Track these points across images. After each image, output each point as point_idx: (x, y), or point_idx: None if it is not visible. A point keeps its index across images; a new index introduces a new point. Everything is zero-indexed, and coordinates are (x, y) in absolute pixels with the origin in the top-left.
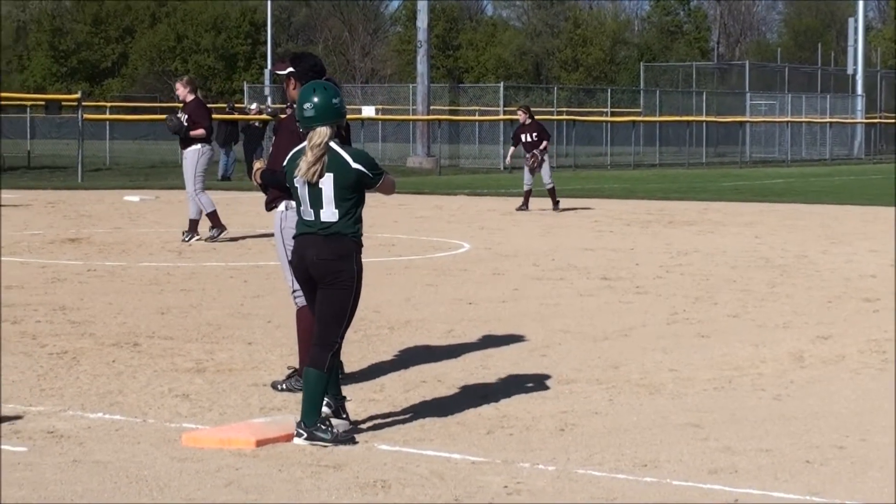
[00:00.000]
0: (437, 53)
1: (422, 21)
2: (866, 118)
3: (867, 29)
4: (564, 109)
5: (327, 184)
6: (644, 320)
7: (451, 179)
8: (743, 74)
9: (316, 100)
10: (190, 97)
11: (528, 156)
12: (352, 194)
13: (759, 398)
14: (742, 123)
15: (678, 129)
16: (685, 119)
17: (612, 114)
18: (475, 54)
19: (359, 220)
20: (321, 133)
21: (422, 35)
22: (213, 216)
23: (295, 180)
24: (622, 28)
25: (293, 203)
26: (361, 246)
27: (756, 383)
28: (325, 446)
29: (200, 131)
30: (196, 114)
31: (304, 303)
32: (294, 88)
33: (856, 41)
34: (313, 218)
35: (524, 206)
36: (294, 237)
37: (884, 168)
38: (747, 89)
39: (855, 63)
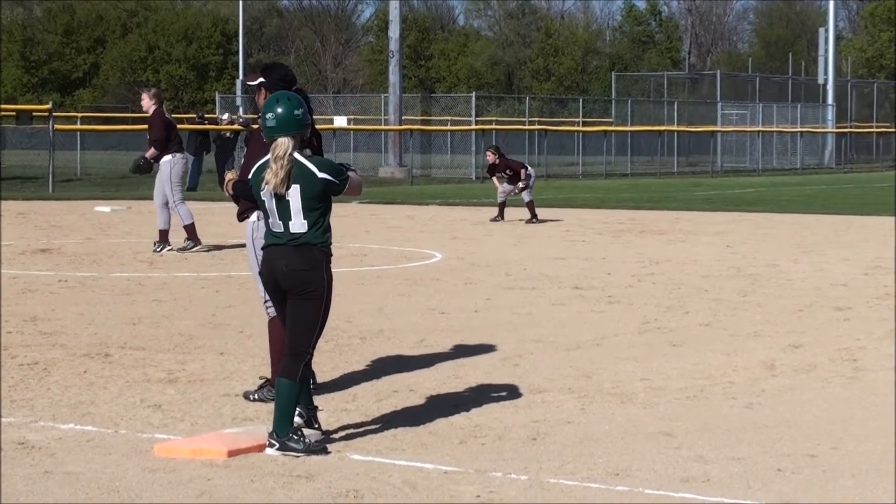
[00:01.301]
0: (408, 63)
1: (394, 31)
2: (837, 127)
3: (838, 38)
4: (536, 119)
5: (294, 195)
6: (616, 329)
7: (423, 189)
8: (714, 84)
9: (279, 110)
10: (152, 108)
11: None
12: (319, 204)
13: (731, 407)
14: (713, 133)
15: (650, 139)
16: (657, 129)
17: (584, 123)
18: (447, 64)
19: (328, 230)
20: (283, 144)
21: (394, 45)
22: (191, 228)
23: (262, 193)
24: (594, 38)
25: None
26: (331, 255)
27: (728, 392)
28: (298, 456)
29: (151, 151)
30: (150, 125)
31: (276, 313)
32: (264, 98)
33: (826, 51)
34: (282, 229)
35: (499, 217)
36: (262, 248)
37: (854, 177)
38: (718, 99)
39: (825, 73)
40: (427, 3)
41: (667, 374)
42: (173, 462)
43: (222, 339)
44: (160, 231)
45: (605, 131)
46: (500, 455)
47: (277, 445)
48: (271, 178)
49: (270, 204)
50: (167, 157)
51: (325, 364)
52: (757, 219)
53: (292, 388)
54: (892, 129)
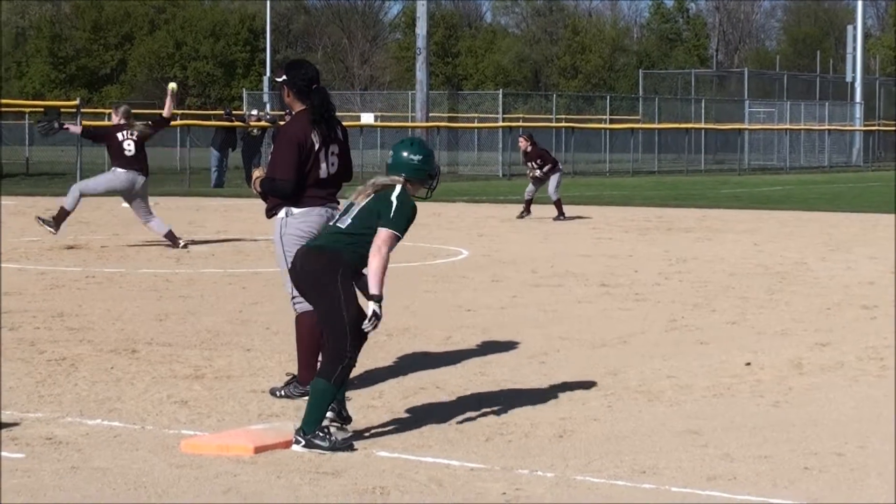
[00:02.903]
0: (435, 60)
1: (421, 28)
2: (865, 126)
3: (866, 36)
4: (563, 116)
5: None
6: (643, 327)
7: (450, 186)
8: (742, 82)
9: (398, 152)
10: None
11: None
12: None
13: (758, 405)
14: (741, 131)
15: (677, 137)
16: (684, 126)
17: (611, 121)
18: (474, 61)
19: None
20: (380, 179)
21: (421, 42)
22: (169, 235)
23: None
24: (621, 35)
25: (293, 210)
26: (346, 264)
27: (755, 390)
28: (323, 454)
29: (75, 127)
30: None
31: (304, 309)
32: (288, 96)
33: (854, 48)
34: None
35: (525, 213)
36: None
37: (882, 175)
38: (746, 97)
39: (853, 71)
40: (454, 1)
41: (694, 372)
42: (200, 458)
43: (249, 335)
44: (165, 236)
45: (633, 129)
46: (527, 452)
47: (304, 443)
48: (353, 195)
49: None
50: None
51: None
52: (784, 217)
53: (327, 390)
54: None
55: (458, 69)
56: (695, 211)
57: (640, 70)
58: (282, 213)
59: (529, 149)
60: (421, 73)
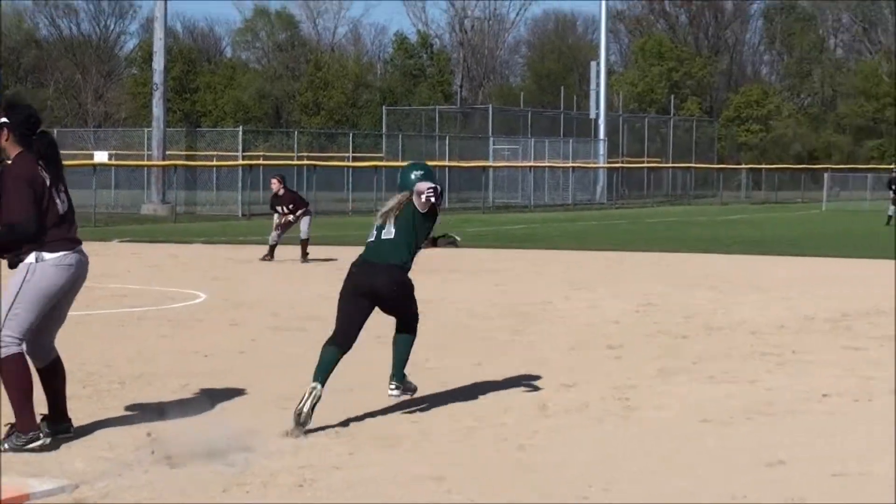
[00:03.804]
0: (173, 96)
1: (158, 63)
2: (608, 163)
3: (609, 73)
4: (305, 154)
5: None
6: (385, 371)
7: (188, 227)
8: (486, 118)
9: (409, 175)
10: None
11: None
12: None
13: (502, 449)
14: (485, 168)
15: None
16: (428, 164)
17: (354, 159)
18: (213, 97)
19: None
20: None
21: (157, 77)
22: None
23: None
24: (365, 71)
25: (45, 255)
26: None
27: (499, 434)
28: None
29: None
30: None
31: (10, 353)
32: (7, 140)
33: (598, 85)
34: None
35: (269, 257)
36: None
37: (626, 213)
38: (490, 133)
39: (597, 107)
40: (193, 35)
41: (436, 416)
42: None
43: None
44: None
45: (376, 167)
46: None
47: (402, 388)
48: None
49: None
50: None
51: (83, 410)
52: (528, 255)
53: (412, 342)
54: (663, 164)
55: (196, 105)
56: (440, 251)
57: (384, 106)
58: (31, 257)
59: (282, 192)
60: (158, 110)
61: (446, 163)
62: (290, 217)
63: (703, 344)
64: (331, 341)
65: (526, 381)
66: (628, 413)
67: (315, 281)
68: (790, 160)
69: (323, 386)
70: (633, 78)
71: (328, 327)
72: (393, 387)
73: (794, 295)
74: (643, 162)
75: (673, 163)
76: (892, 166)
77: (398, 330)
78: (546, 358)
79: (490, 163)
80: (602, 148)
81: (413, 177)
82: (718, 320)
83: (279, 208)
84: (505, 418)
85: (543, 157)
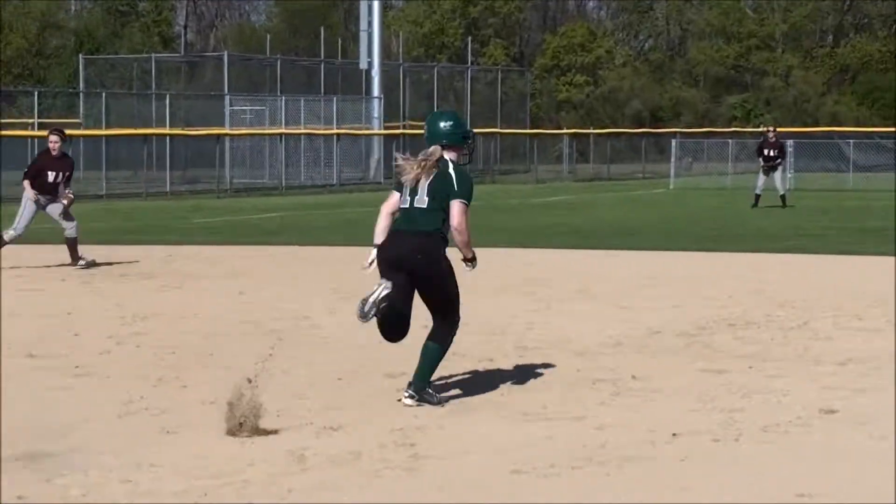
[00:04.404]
0: None
1: None
2: (386, 128)
3: (385, 8)
4: None
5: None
6: (89, 413)
7: None
8: (220, 70)
9: (436, 124)
10: None
11: None
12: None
13: None
14: (220, 137)
15: (133, 147)
16: (142, 132)
17: (41, 126)
18: None
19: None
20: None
21: None
22: None
23: None
24: (53, 9)
25: None
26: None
27: (241, 494)
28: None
29: None
30: None
31: None
32: None
33: (370, 24)
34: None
35: None
36: None
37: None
38: (226, 90)
39: (370, 54)
40: None
41: (159, 473)
42: None
43: None
44: None
45: (71, 136)
46: None
47: (417, 397)
48: (408, 175)
49: None
50: None
51: None
52: (281, 254)
53: (439, 353)
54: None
55: None
56: (159, 249)
57: (81, 55)
58: None
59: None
60: None
61: (167, 130)
62: None
63: (513, 369)
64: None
65: (278, 424)
66: (414, 464)
67: None
68: (627, 123)
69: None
70: (418, 15)
71: (10, 354)
72: (407, 395)
73: (634, 302)
74: None
75: (472, 128)
76: (761, 128)
77: (430, 333)
78: (303, 392)
79: (227, 129)
80: (377, 109)
81: (441, 126)
82: (534, 337)
83: None
84: (249, 474)
85: (298, 121)
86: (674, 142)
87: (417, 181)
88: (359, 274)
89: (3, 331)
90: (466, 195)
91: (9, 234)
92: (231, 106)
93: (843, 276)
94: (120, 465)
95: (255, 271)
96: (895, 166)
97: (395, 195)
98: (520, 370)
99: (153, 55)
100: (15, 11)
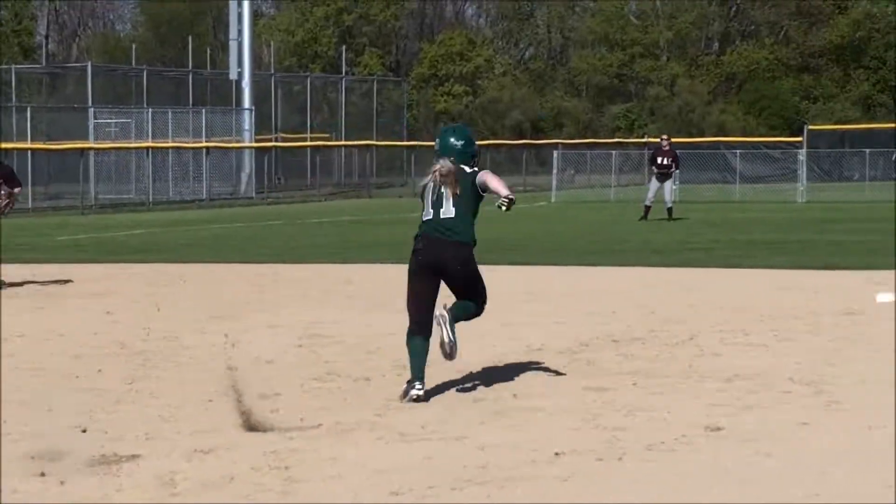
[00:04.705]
0: None
1: None
2: (257, 141)
3: (256, 16)
4: None
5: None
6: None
7: None
8: (84, 82)
9: (447, 139)
10: None
11: None
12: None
13: None
14: (84, 151)
15: None
16: (1, 147)
17: None
18: None
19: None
20: (442, 166)
21: None
22: None
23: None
24: None
25: None
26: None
27: None
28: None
29: None
30: None
31: None
32: None
33: (240, 33)
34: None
35: None
36: None
37: (284, 210)
38: (90, 103)
39: (239, 64)
40: None
41: None
42: None
43: None
44: None
45: None
46: None
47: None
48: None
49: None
50: None
51: None
52: (147, 272)
53: (471, 310)
54: (334, 142)
55: None
56: (22, 268)
57: None
58: None
59: None
60: None
61: (28, 145)
62: None
63: (391, 387)
64: (410, 332)
65: (142, 449)
66: (289, 487)
67: None
68: (506, 134)
69: (423, 378)
70: (290, 23)
71: None
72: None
73: (515, 319)
74: (306, 140)
75: (347, 140)
76: (646, 138)
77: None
78: (171, 415)
79: (91, 143)
80: (248, 121)
81: (452, 142)
82: None
83: None
84: (117, 499)
85: (166, 134)
86: (556, 153)
87: (440, 194)
88: (229, 293)
89: None
90: (479, 165)
91: None
92: (95, 119)
93: (731, 290)
94: None
95: (123, 290)
96: (782, 177)
97: None
98: (398, 389)
99: (13, 66)
100: None
